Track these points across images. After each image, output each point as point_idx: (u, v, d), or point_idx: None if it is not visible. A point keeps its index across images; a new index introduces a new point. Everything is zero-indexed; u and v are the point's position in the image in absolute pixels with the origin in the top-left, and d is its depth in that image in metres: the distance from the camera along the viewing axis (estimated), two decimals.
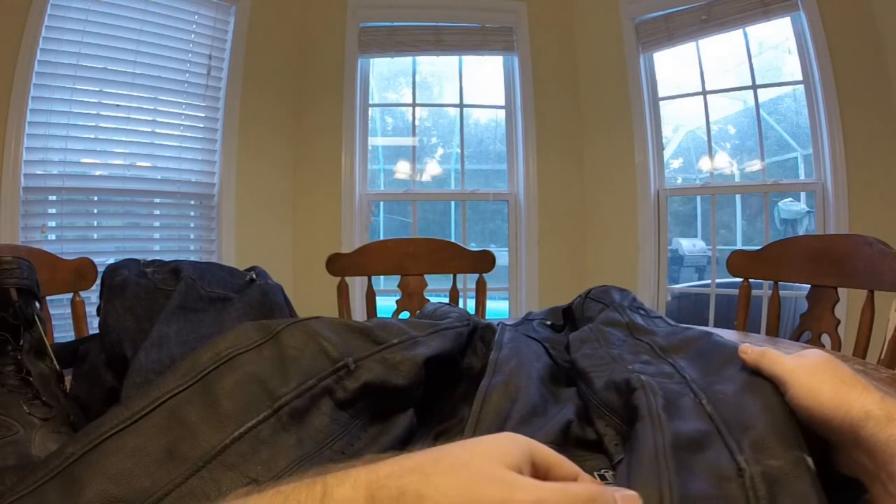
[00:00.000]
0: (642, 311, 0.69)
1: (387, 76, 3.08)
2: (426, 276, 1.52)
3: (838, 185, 2.19)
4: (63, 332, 1.56)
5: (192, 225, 2.45)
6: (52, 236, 2.11)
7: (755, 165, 2.60)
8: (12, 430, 0.45)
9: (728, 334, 1.06)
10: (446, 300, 1.41)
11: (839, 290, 1.12)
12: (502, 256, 2.69)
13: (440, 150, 3.33)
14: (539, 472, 0.28)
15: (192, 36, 2.37)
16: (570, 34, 2.77)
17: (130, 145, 2.23)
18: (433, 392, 0.50)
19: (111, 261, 0.65)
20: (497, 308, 2.72)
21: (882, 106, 2.14)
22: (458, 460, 0.25)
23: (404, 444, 0.42)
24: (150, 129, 2.27)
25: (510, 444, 0.27)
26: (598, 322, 0.65)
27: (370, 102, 2.79)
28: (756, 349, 0.44)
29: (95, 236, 2.28)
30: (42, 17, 1.95)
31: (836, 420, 0.35)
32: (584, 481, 0.29)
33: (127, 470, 0.33)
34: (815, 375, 0.37)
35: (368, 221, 2.73)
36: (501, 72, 2.81)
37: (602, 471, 0.40)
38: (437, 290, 1.70)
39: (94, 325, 0.70)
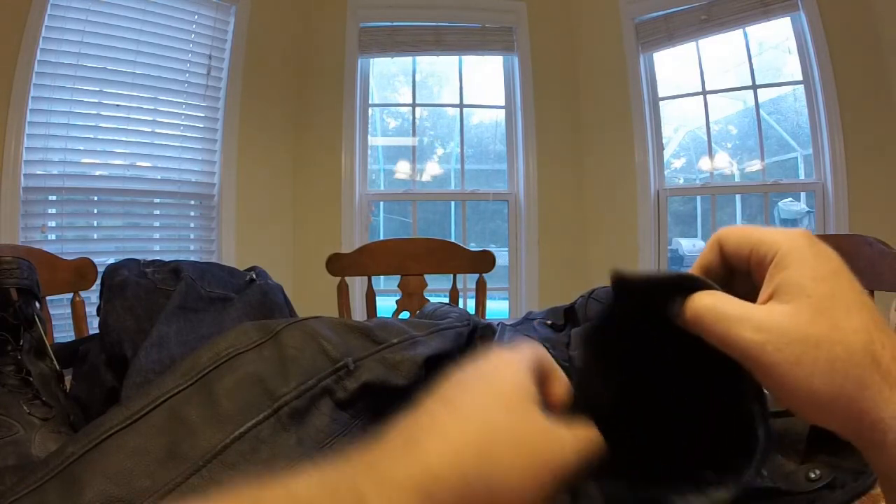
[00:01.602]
0: None
1: (387, 76, 3.08)
2: (426, 276, 1.52)
3: (838, 185, 2.20)
4: (63, 332, 1.56)
5: (192, 225, 2.45)
6: (52, 236, 2.11)
7: (755, 165, 2.60)
8: (12, 430, 0.45)
9: None
10: (446, 300, 1.41)
11: None
12: (502, 256, 2.69)
13: (440, 150, 3.32)
14: (542, 382, 0.28)
15: (192, 36, 2.37)
16: (570, 34, 2.77)
17: (130, 145, 2.23)
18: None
19: (111, 261, 0.65)
20: (497, 308, 2.72)
21: (882, 106, 2.14)
22: (508, 423, 0.23)
23: None
24: (150, 129, 2.27)
25: (527, 381, 0.26)
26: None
27: (370, 102, 2.79)
28: (689, 299, 0.26)
29: (95, 236, 2.28)
30: (42, 17, 1.95)
31: (838, 429, 0.24)
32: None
33: (127, 469, 0.33)
34: (801, 358, 0.23)
35: (368, 221, 2.73)
36: (501, 72, 2.81)
37: None
38: (437, 290, 1.70)
39: (94, 325, 0.70)
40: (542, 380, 0.27)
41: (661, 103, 2.65)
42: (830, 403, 0.23)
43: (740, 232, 0.28)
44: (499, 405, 0.24)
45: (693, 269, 0.30)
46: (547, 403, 0.27)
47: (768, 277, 0.26)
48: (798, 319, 0.23)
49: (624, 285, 0.28)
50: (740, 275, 0.28)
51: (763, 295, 0.26)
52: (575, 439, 0.25)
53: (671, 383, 0.29)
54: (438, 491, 0.20)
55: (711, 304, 0.25)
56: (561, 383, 0.29)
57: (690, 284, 0.27)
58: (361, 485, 0.20)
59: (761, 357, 0.23)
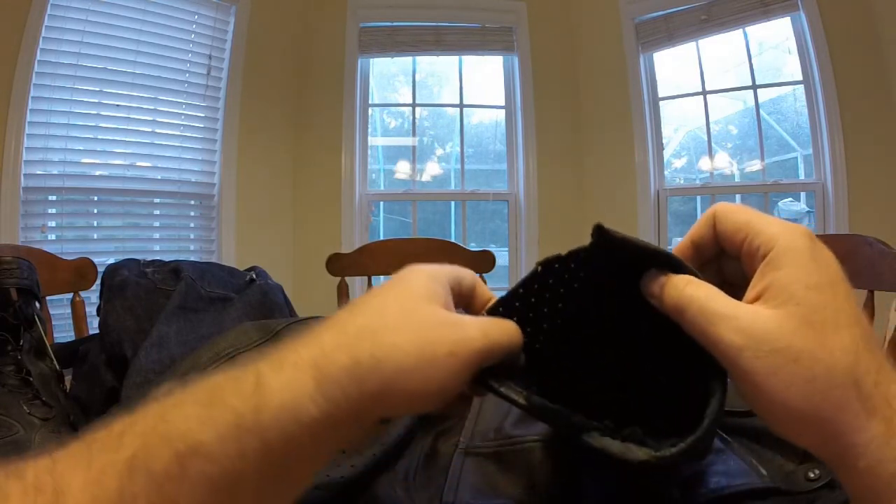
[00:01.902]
0: None
1: (387, 76, 3.08)
2: None
3: (838, 185, 2.20)
4: (63, 332, 1.56)
5: (192, 225, 2.45)
6: (52, 236, 2.11)
7: (755, 165, 2.60)
8: (12, 430, 0.45)
9: None
10: None
11: None
12: (502, 256, 2.69)
13: (440, 150, 3.32)
14: (464, 296, 0.29)
15: (192, 36, 2.37)
16: (570, 34, 2.77)
17: (130, 145, 2.23)
18: None
19: (111, 261, 0.66)
20: None
21: (882, 106, 2.14)
22: (402, 311, 0.24)
23: (405, 443, 0.42)
24: (150, 129, 2.27)
25: (435, 284, 0.27)
26: None
27: (370, 102, 2.79)
28: (672, 284, 0.25)
29: (95, 236, 2.28)
30: (42, 17, 1.95)
31: (809, 446, 0.24)
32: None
33: None
34: (778, 370, 0.22)
35: (368, 221, 2.73)
36: (501, 72, 2.81)
37: None
38: None
39: (94, 325, 0.70)
40: (463, 293, 0.29)
41: (661, 103, 2.65)
42: (803, 421, 0.22)
43: (738, 216, 0.26)
44: (396, 301, 0.25)
45: (684, 241, 0.29)
46: (473, 309, 0.30)
47: (759, 274, 0.24)
48: (782, 328, 0.22)
49: (606, 240, 0.28)
50: (730, 256, 0.27)
51: (751, 292, 0.24)
52: (480, 329, 0.25)
53: (633, 338, 0.29)
54: (328, 365, 0.22)
55: (694, 294, 0.24)
56: (482, 297, 0.30)
57: (671, 264, 0.26)
58: (261, 367, 0.22)
59: (738, 361, 0.23)
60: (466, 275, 0.30)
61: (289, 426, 0.21)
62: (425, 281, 0.27)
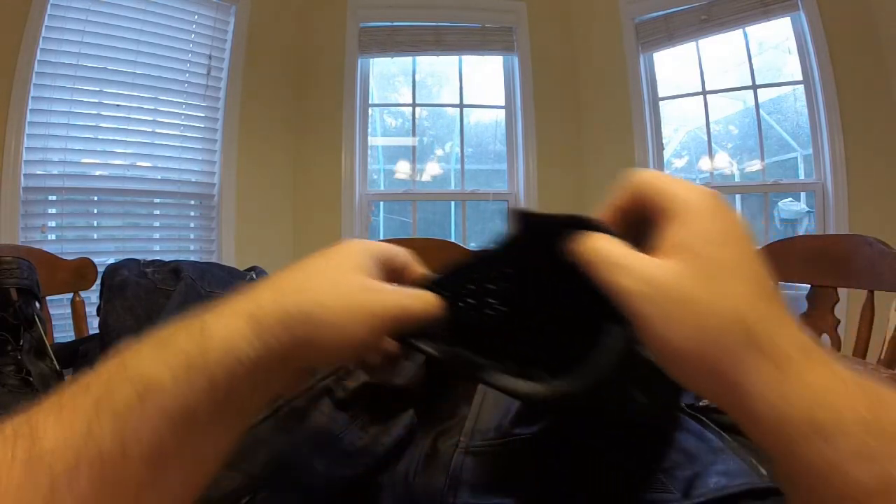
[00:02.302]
0: None
1: (387, 76, 3.07)
2: None
3: (838, 185, 2.20)
4: (63, 332, 1.56)
5: (192, 225, 2.45)
6: (52, 236, 2.11)
7: (755, 165, 2.60)
8: None
9: None
10: None
11: (839, 290, 1.12)
12: None
13: (440, 150, 3.32)
14: (397, 272, 0.33)
15: (192, 36, 2.37)
16: (570, 34, 2.77)
17: (130, 145, 2.23)
18: (433, 392, 0.50)
19: (111, 261, 0.65)
20: None
21: (882, 106, 2.14)
22: (330, 276, 0.28)
23: (405, 443, 0.42)
24: (150, 129, 2.27)
25: (363, 255, 0.30)
26: None
27: (370, 102, 2.79)
28: (585, 240, 0.27)
29: (95, 236, 2.28)
30: (42, 17, 1.95)
31: (708, 395, 0.25)
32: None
33: None
34: (670, 316, 0.23)
35: (368, 221, 2.73)
36: (501, 72, 2.81)
37: None
38: None
39: (94, 325, 0.70)
40: (395, 268, 0.32)
41: (661, 103, 2.65)
42: (695, 365, 0.23)
43: (655, 180, 0.27)
44: (327, 268, 0.29)
45: (606, 207, 0.30)
46: (404, 284, 0.33)
47: (666, 231, 0.25)
48: (677, 277, 0.23)
49: (524, 218, 0.30)
50: (650, 220, 0.28)
51: (657, 248, 0.25)
52: (397, 296, 0.29)
53: (550, 298, 0.31)
54: (263, 316, 0.25)
55: (599, 247, 0.26)
56: (413, 273, 0.34)
57: (587, 224, 0.28)
58: (206, 317, 0.26)
59: (634, 307, 0.24)
60: (399, 252, 0.33)
61: (230, 365, 0.24)
62: (356, 253, 0.30)
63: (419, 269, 0.34)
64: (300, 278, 0.28)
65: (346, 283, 0.28)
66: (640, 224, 0.29)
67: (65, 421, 0.22)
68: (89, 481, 0.21)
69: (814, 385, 0.21)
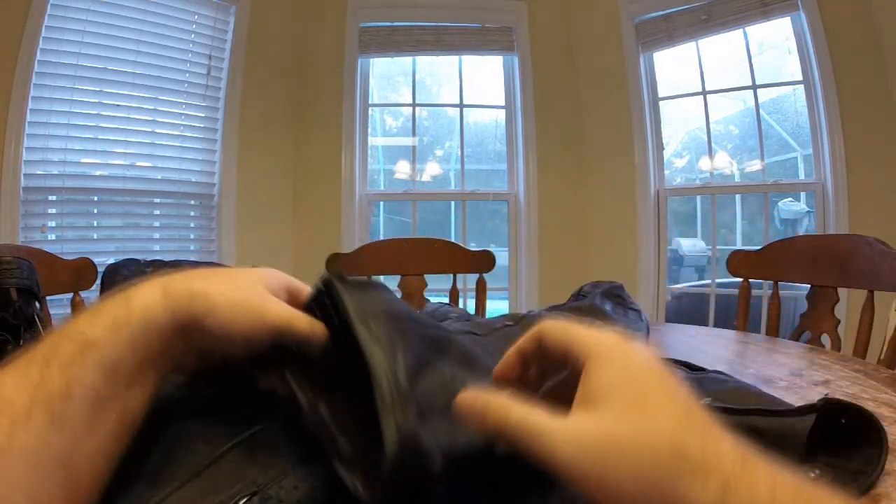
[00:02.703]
0: (620, 301, 0.69)
1: (387, 76, 3.07)
2: (426, 276, 1.52)
3: (838, 185, 2.20)
4: None
5: (192, 225, 2.45)
6: (52, 236, 2.11)
7: (755, 165, 2.60)
8: None
9: (728, 334, 1.06)
10: (446, 300, 1.41)
11: (839, 290, 1.12)
12: (502, 256, 2.69)
13: (440, 150, 3.33)
14: (299, 305, 0.36)
15: (192, 36, 2.37)
16: (570, 34, 2.77)
17: (130, 145, 2.23)
18: None
19: (111, 261, 0.65)
20: (497, 308, 2.72)
21: (882, 106, 2.14)
22: (234, 277, 0.34)
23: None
24: (150, 129, 2.27)
25: (271, 278, 0.36)
26: (564, 309, 0.66)
27: (370, 102, 2.79)
28: (494, 408, 0.26)
29: (95, 236, 2.28)
30: (42, 17, 1.95)
31: None
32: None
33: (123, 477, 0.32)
34: (607, 468, 0.23)
35: (368, 222, 2.73)
36: (501, 72, 2.81)
37: None
38: (437, 290, 1.69)
39: None
40: (297, 299, 0.37)
41: (661, 103, 2.65)
42: None
43: (558, 331, 0.29)
44: (234, 275, 0.35)
45: (511, 352, 0.31)
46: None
47: (580, 385, 0.26)
48: (602, 428, 0.23)
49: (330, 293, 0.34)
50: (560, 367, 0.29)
51: (574, 403, 0.26)
52: (289, 311, 0.33)
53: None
54: (173, 291, 0.31)
55: (521, 418, 0.25)
56: (301, 297, 0.37)
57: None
58: (129, 290, 0.32)
59: (572, 472, 0.23)
60: (303, 287, 0.38)
61: (147, 326, 0.30)
62: (266, 275, 0.36)
63: (305, 291, 0.38)
64: (210, 276, 0.33)
65: (247, 287, 0.33)
66: (543, 369, 0.31)
67: (20, 372, 0.27)
68: (43, 417, 0.26)
69: (757, 496, 0.21)
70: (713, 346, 0.93)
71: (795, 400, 0.55)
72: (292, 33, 2.66)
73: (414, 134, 2.87)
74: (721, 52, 2.59)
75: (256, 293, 0.33)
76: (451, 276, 1.52)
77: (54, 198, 2.09)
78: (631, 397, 0.24)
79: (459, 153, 2.83)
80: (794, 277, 1.22)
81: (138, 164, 2.26)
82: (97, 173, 2.18)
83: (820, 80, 2.22)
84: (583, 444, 0.23)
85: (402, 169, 2.88)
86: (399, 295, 1.50)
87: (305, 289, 0.38)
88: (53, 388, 0.26)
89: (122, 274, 0.61)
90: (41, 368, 0.27)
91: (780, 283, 1.24)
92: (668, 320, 2.59)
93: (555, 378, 0.31)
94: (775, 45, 2.56)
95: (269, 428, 0.33)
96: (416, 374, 0.29)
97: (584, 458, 0.23)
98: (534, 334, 0.30)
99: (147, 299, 0.31)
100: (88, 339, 0.28)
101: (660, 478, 0.22)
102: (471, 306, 1.58)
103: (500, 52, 2.77)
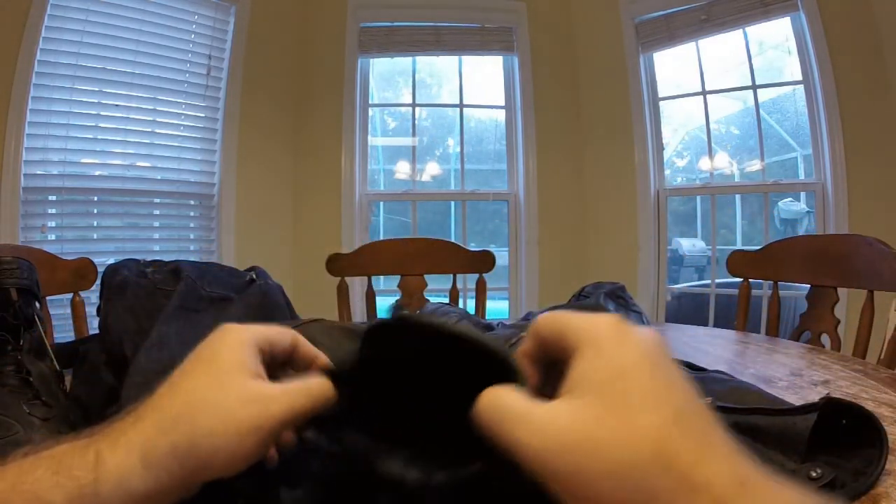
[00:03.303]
0: (622, 302, 0.69)
1: (387, 76, 3.08)
2: (426, 276, 1.52)
3: (838, 185, 2.20)
4: (63, 332, 1.56)
5: (192, 225, 2.45)
6: (52, 236, 2.11)
7: (755, 165, 2.60)
8: (12, 430, 0.45)
9: (728, 334, 1.06)
10: (446, 300, 1.41)
11: (839, 290, 1.12)
12: (502, 256, 2.69)
13: (440, 151, 3.33)
14: (284, 355, 0.32)
15: (192, 36, 2.37)
16: (570, 34, 2.77)
17: (130, 145, 2.23)
18: None
19: (111, 261, 0.65)
20: (497, 308, 2.72)
21: (882, 106, 2.14)
22: (212, 394, 0.27)
23: None
24: (149, 129, 2.27)
25: (243, 354, 0.29)
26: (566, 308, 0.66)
27: (370, 102, 2.79)
28: (485, 395, 0.25)
29: (95, 236, 2.28)
30: (42, 17, 1.95)
31: None
32: (321, 361, 0.33)
33: None
34: (580, 466, 0.20)
35: (368, 222, 2.73)
36: (501, 72, 2.81)
37: None
38: (437, 290, 1.69)
39: (94, 325, 0.70)
40: (283, 352, 0.32)
41: (661, 103, 2.65)
42: None
43: (553, 320, 0.26)
44: (206, 382, 0.28)
45: (518, 353, 0.28)
46: (298, 363, 0.33)
47: (568, 371, 0.23)
48: (581, 421, 0.21)
49: (409, 328, 0.29)
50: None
51: (560, 389, 0.23)
52: (283, 401, 0.27)
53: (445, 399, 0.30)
54: (152, 450, 0.25)
55: (495, 400, 0.24)
56: (305, 355, 0.33)
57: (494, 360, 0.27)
58: (101, 446, 0.26)
59: (539, 465, 0.21)
60: (283, 337, 0.32)
61: (123, 497, 0.24)
62: (234, 353, 0.29)
63: (310, 347, 0.33)
64: (182, 399, 0.27)
65: (228, 397, 0.27)
66: (556, 371, 0.27)
67: None
68: None
69: None
70: (713, 347, 0.93)
71: (795, 400, 0.55)
72: (292, 33, 2.66)
73: (414, 134, 2.87)
74: (721, 52, 2.59)
75: (242, 397, 0.27)
76: (451, 276, 1.52)
77: (54, 198, 2.09)
78: (620, 390, 0.21)
79: (459, 153, 2.83)
80: (794, 277, 1.22)
81: (138, 164, 2.26)
82: (97, 173, 2.18)
83: (820, 80, 2.22)
84: (554, 438, 0.21)
85: (402, 169, 2.88)
86: (399, 295, 1.50)
87: (282, 334, 0.32)
88: None
89: (122, 274, 0.61)
90: None
91: (780, 283, 1.24)
92: (667, 320, 2.59)
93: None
94: (775, 45, 2.56)
95: None
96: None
97: (555, 452, 0.21)
98: (531, 332, 0.27)
99: (121, 466, 0.25)
100: None
101: (638, 486, 0.19)
102: (471, 306, 1.58)
103: (499, 52, 2.77)
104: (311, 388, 0.29)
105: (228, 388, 0.27)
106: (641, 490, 0.19)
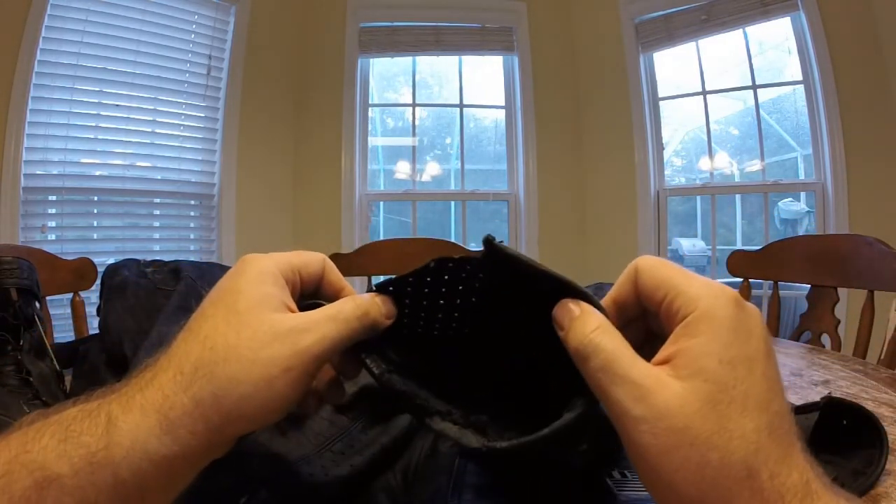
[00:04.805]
0: None
1: (387, 76, 3.08)
2: None
3: (838, 185, 2.20)
4: (63, 332, 1.56)
5: (192, 225, 2.45)
6: (52, 236, 2.10)
7: (755, 165, 2.60)
8: None
9: None
10: None
11: (839, 290, 1.12)
12: None
13: (440, 151, 3.32)
14: (312, 283, 0.29)
15: (192, 36, 2.37)
16: (570, 34, 2.77)
17: (130, 145, 2.23)
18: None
19: (111, 261, 0.65)
20: None
21: (882, 106, 2.14)
22: (232, 337, 0.24)
23: (405, 445, 0.42)
24: (149, 129, 2.27)
25: (265, 286, 0.26)
26: None
27: (370, 102, 2.79)
28: (581, 323, 0.24)
29: (95, 236, 2.28)
30: (42, 17, 1.95)
31: None
32: (349, 292, 0.30)
33: None
34: (671, 451, 0.20)
35: (368, 222, 2.73)
36: (501, 72, 2.81)
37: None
38: None
39: (94, 325, 0.70)
40: (310, 279, 0.29)
41: (661, 103, 2.65)
42: None
43: (659, 271, 0.25)
44: (226, 323, 0.25)
45: (606, 299, 0.27)
46: (324, 293, 0.30)
47: (674, 336, 0.23)
48: (684, 407, 0.21)
49: (495, 255, 0.27)
50: (652, 312, 0.25)
51: (662, 353, 0.23)
52: (316, 334, 0.25)
53: (516, 343, 0.29)
54: (170, 410, 0.22)
55: (603, 347, 0.23)
56: (333, 284, 0.30)
57: (565, 289, 0.25)
58: (112, 408, 0.23)
59: (633, 434, 0.21)
60: (311, 261, 0.29)
61: (140, 463, 0.22)
62: (256, 286, 0.26)
63: (338, 275, 0.30)
64: (200, 346, 0.24)
65: (252, 337, 0.24)
66: (645, 317, 0.26)
67: None
68: None
69: None
70: None
71: (796, 400, 0.55)
72: (292, 33, 2.66)
73: (414, 134, 2.87)
74: (721, 52, 2.59)
75: (268, 335, 0.24)
76: None
77: (54, 198, 2.09)
78: (728, 383, 0.21)
79: (459, 153, 2.83)
80: (794, 277, 1.22)
81: (138, 164, 2.26)
82: (97, 173, 2.18)
83: (820, 80, 2.22)
84: (656, 414, 0.21)
85: (402, 169, 2.88)
86: None
87: (311, 260, 0.29)
88: None
89: (122, 274, 0.61)
90: None
91: (780, 283, 1.24)
92: None
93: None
94: (775, 45, 2.56)
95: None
96: None
97: (651, 428, 0.21)
98: (630, 273, 0.26)
99: (138, 432, 0.22)
100: (50, 475, 0.21)
101: (718, 488, 0.20)
102: None
103: (500, 52, 2.77)
104: (345, 312, 0.26)
105: (251, 327, 0.24)
106: (719, 490, 0.20)
